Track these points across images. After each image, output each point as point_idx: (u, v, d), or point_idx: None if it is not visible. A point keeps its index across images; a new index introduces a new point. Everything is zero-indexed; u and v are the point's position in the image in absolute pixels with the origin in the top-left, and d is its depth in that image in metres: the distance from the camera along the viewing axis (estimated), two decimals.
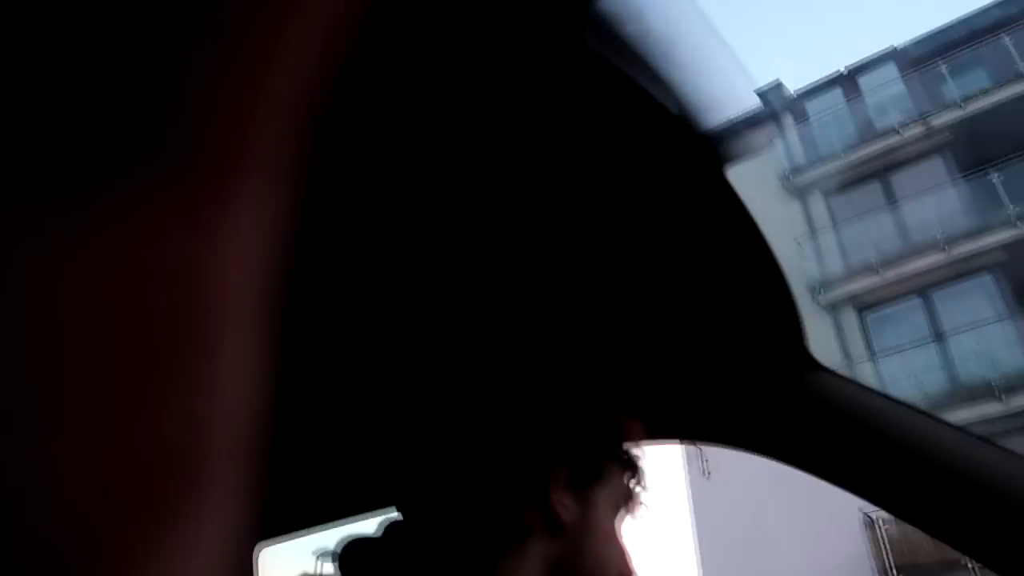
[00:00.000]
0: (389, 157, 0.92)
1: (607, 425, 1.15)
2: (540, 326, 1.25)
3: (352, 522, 1.72)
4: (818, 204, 16.66)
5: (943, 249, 14.56)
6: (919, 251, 14.88)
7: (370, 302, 1.19)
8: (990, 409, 12.97)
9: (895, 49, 17.53)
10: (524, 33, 0.78)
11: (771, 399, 1.27)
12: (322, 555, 3.17)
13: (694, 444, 1.46)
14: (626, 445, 1.14)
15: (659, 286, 1.17)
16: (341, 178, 0.94)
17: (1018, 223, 14.10)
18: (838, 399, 1.22)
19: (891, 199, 15.94)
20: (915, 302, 15.03)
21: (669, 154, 0.97)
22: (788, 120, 17.40)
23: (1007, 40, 15.65)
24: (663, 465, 15.20)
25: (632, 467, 1.13)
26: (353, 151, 0.90)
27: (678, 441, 1.47)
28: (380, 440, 1.55)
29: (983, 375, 13.47)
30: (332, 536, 1.76)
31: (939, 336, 14.52)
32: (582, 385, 1.37)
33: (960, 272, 14.58)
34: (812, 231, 16.29)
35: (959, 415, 12.45)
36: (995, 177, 14.94)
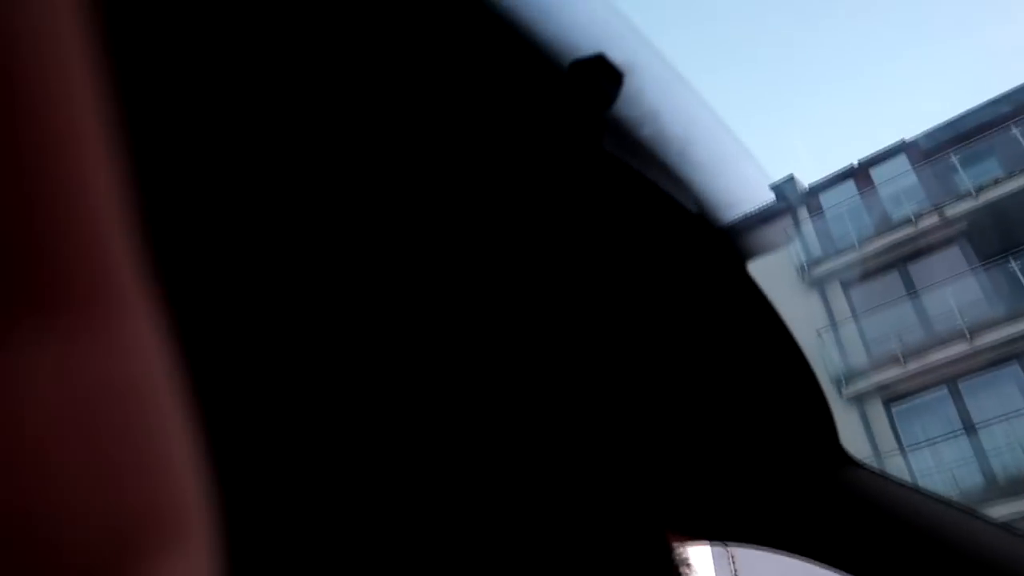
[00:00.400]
0: (425, 280, 0.95)
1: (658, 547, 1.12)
2: (573, 436, 1.24)
3: None
4: (837, 296, 16.61)
5: (967, 338, 14.38)
6: (943, 341, 14.70)
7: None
8: None
9: (905, 142, 17.84)
10: (543, 142, 0.81)
11: (804, 496, 1.24)
12: None
13: (723, 545, 1.41)
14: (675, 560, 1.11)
15: (686, 385, 1.16)
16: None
17: None
18: (873, 495, 1.19)
19: (911, 289, 15.88)
20: (942, 393, 14.74)
21: (690, 252, 0.99)
22: (803, 213, 17.58)
23: (1016, 131, 15.91)
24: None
25: None
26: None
27: (707, 542, 1.43)
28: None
29: (1019, 467, 13.05)
30: None
31: (970, 428, 14.16)
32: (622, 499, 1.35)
33: (986, 361, 14.34)
34: (833, 323, 16.18)
35: (997, 511, 11.99)
36: (1014, 265, 14.89)
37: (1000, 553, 1.07)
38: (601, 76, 0.77)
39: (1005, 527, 1.12)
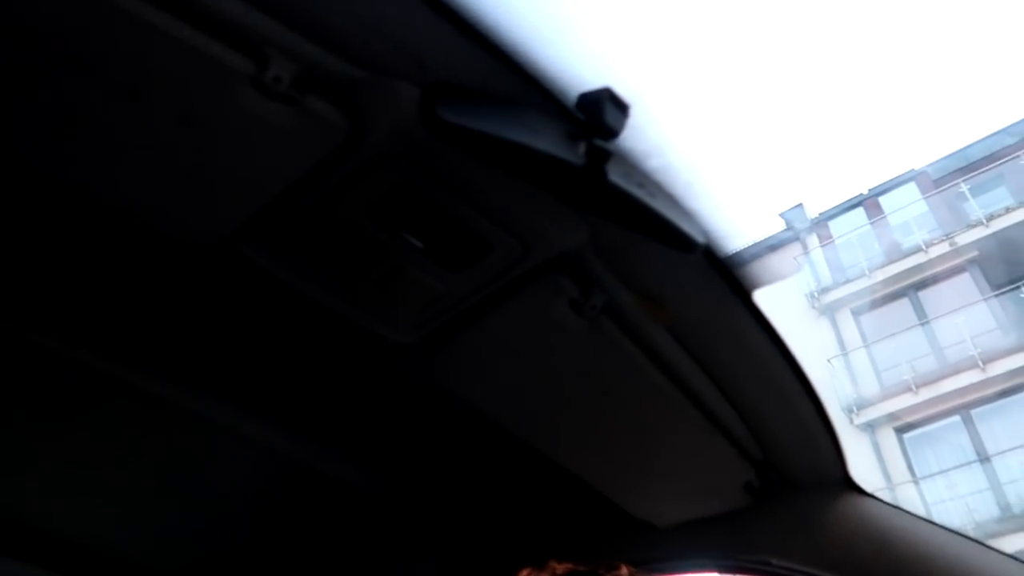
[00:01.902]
0: None
1: None
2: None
3: None
4: (848, 323, 16.52)
5: (980, 367, 14.25)
6: (955, 369, 14.57)
7: None
8: None
9: (915, 171, 17.83)
10: None
11: (811, 528, 1.24)
12: None
13: (732, 573, 1.41)
14: None
15: (694, 413, 1.16)
16: None
17: None
18: (883, 527, 1.18)
19: (922, 317, 15.78)
20: (955, 421, 14.58)
21: (697, 282, 1.00)
22: (813, 241, 17.54)
23: None
24: None
25: None
26: None
27: (716, 571, 1.42)
28: None
29: None
30: None
31: (984, 457, 13.99)
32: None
33: (1000, 390, 14.19)
34: (843, 351, 16.08)
35: (1014, 543, 11.80)
36: None
37: None
38: (608, 107, 0.78)
39: (1019, 560, 1.11)
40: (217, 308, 1.19)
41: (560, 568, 1.14)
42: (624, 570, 1.13)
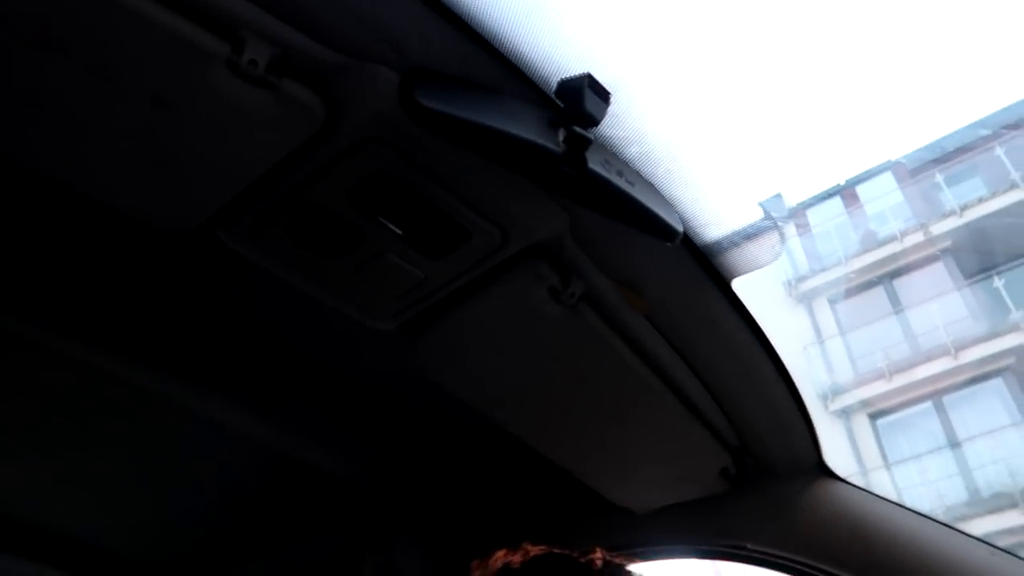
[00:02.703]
0: None
1: None
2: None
3: None
4: (824, 311, 16.68)
5: (952, 354, 14.47)
6: (928, 356, 14.79)
7: None
8: (1012, 520, 12.55)
9: (891, 161, 18.00)
10: None
11: (786, 513, 1.25)
12: None
13: (708, 558, 1.42)
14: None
15: (672, 400, 1.17)
16: None
17: None
18: (856, 511, 1.20)
19: (896, 305, 15.98)
20: (927, 407, 14.81)
21: (676, 270, 1.00)
22: (790, 230, 17.66)
23: (1000, 151, 16.08)
24: None
25: None
26: None
27: (690, 556, 1.44)
28: None
29: (1003, 482, 13.11)
30: None
31: (954, 442, 14.23)
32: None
33: (971, 377, 14.42)
34: (819, 338, 16.25)
35: (981, 525, 12.03)
36: (998, 282, 15.01)
37: (980, 569, 1.08)
38: (588, 95, 0.78)
39: (986, 543, 1.13)
40: (194, 295, 1.18)
41: (534, 550, 1.15)
42: (599, 554, 1.14)
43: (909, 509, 1.18)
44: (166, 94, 0.76)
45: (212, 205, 0.89)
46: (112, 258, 1.12)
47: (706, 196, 0.98)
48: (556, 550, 1.15)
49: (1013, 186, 15.44)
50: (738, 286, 1.06)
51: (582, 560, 1.13)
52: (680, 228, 0.90)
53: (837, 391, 15.31)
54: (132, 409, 1.36)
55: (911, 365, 14.89)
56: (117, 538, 1.71)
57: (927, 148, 17.72)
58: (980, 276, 15.30)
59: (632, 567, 1.14)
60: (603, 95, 0.79)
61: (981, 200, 15.72)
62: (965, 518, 12.44)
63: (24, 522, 1.62)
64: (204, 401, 1.34)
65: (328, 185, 0.86)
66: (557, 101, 0.80)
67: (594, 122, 0.79)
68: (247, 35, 0.73)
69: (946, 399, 14.70)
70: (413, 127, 0.74)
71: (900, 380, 14.84)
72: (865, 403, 15.13)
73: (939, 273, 15.82)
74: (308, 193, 0.87)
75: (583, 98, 0.77)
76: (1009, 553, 1.10)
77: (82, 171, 0.86)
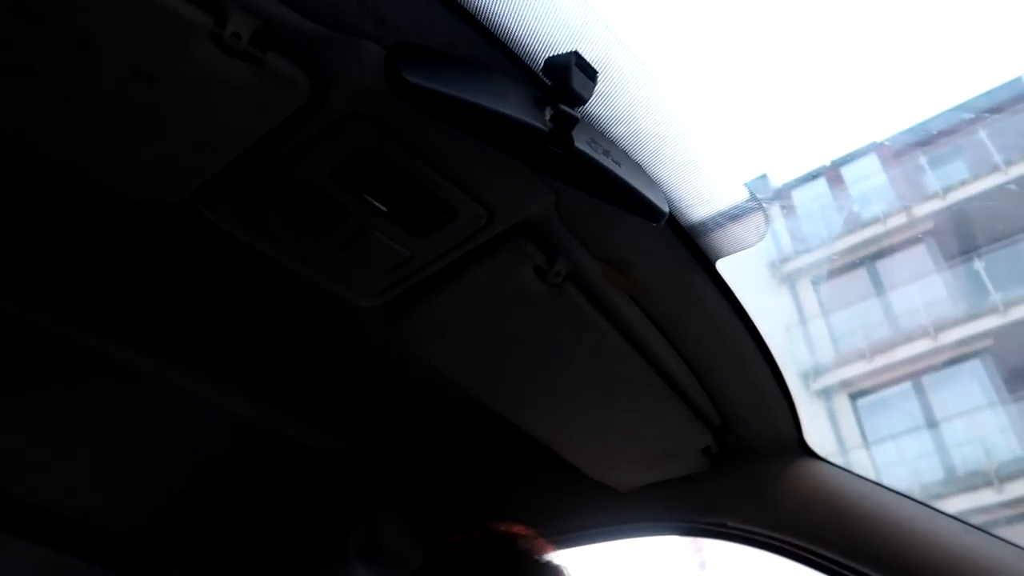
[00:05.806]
0: None
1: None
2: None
3: None
4: (807, 292, 16.80)
5: (931, 335, 14.64)
6: (908, 337, 14.95)
7: None
8: (987, 498, 12.78)
9: (875, 143, 18.06)
10: None
11: (766, 491, 1.27)
12: None
13: (690, 536, 1.44)
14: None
15: (655, 379, 1.18)
16: None
17: (1004, 309, 14.24)
18: (835, 490, 1.21)
19: (878, 286, 16.12)
20: (906, 387, 15.00)
21: (661, 250, 1.00)
22: (775, 211, 17.72)
23: (983, 134, 16.18)
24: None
25: None
26: None
27: (672, 534, 1.45)
28: None
29: (978, 462, 13.33)
30: None
31: (932, 422, 14.43)
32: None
33: (949, 358, 14.61)
34: (802, 318, 16.37)
35: (957, 503, 12.25)
36: (978, 264, 15.17)
37: (954, 546, 1.10)
38: (575, 73, 0.77)
39: (959, 520, 1.15)
40: (178, 271, 1.17)
41: (491, 531, 1.20)
42: (545, 548, 1.18)
43: (887, 488, 1.20)
44: (146, 66, 0.75)
45: (195, 180, 0.88)
46: (95, 233, 1.11)
47: (692, 176, 0.98)
48: (504, 532, 1.19)
49: (995, 169, 15.56)
50: (723, 267, 1.06)
51: (521, 548, 1.17)
52: (666, 208, 0.90)
53: (819, 371, 15.46)
54: (115, 385, 1.35)
55: (892, 346, 15.06)
56: (100, 514, 1.71)
57: (911, 130, 17.80)
58: (961, 258, 15.45)
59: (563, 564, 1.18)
60: (590, 73, 0.79)
61: (963, 183, 15.83)
62: (941, 496, 12.65)
63: (6, 497, 1.61)
64: (188, 377, 1.33)
65: (313, 161, 0.85)
66: (544, 79, 0.79)
67: (581, 101, 0.79)
68: (230, 7, 0.71)
69: (925, 379, 14.89)
70: (399, 103, 0.73)
71: (881, 361, 15.01)
72: (846, 383, 15.30)
73: (921, 255, 15.96)
74: (292, 169, 0.86)
75: (570, 76, 0.76)
76: (983, 531, 1.12)
77: (61, 143, 0.85)
